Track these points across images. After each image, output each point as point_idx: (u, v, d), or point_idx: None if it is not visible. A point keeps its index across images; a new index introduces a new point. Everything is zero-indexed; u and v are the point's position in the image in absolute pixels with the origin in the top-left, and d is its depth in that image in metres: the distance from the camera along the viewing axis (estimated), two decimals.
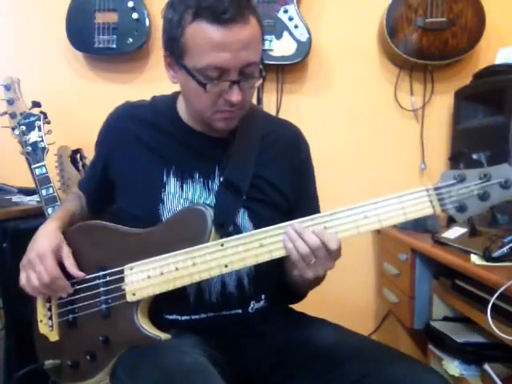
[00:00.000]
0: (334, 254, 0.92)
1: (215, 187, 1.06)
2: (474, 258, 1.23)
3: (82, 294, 1.06)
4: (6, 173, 1.99)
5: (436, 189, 0.90)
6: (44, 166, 1.55)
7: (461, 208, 0.89)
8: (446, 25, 1.98)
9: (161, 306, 1.03)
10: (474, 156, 0.90)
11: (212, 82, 0.95)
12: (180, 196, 1.05)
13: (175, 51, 0.97)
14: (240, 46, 0.92)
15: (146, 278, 0.99)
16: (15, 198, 1.84)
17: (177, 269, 0.97)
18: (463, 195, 0.89)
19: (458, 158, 0.94)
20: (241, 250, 0.95)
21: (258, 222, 1.02)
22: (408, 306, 1.68)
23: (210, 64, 0.93)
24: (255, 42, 0.96)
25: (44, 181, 1.53)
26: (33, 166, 1.55)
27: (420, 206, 0.91)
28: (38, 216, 1.60)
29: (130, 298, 1.01)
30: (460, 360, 1.41)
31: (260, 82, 1.01)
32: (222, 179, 1.05)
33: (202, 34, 0.92)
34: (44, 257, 1.02)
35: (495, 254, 1.19)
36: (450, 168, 1.67)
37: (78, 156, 1.96)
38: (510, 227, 1.30)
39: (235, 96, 0.96)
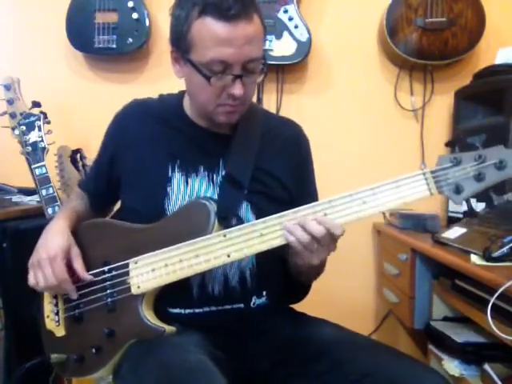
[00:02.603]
0: (337, 238, 0.94)
1: (219, 180, 1.07)
2: (474, 258, 1.23)
3: (88, 289, 1.07)
4: (6, 173, 1.99)
5: (432, 172, 0.92)
6: (44, 166, 1.55)
7: (457, 189, 0.90)
8: (446, 25, 1.98)
9: (164, 299, 1.05)
10: (469, 140, 0.91)
11: (216, 76, 0.97)
12: (185, 190, 1.07)
13: (181, 46, 1.00)
14: (244, 41, 0.95)
15: (150, 270, 1.01)
16: (15, 198, 1.85)
17: (180, 260, 0.98)
18: (459, 177, 0.90)
19: (454, 143, 0.95)
20: (242, 240, 0.96)
21: (261, 215, 1.02)
22: (408, 306, 1.68)
23: (214, 58, 0.96)
24: (258, 38, 0.99)
25: (44, 181, 1.54)
26: (33, 166, 1.55)
27: (417, 189, 0.92)
28: (38, 216, 1.60)
29: (135, 290, 1.02)
30: (460, 360, 1.41)
31: (261, 77, 1.03)
32: (223, 173, 1.07)
33: (208, 29, 0.95)
34: (54, 259, 1.04)
35: (495, 254, 1.19)
36: None
37: (78, 156, 1.96)
38: (510, 227, 1.30)
39: (238, 90, 0.98)
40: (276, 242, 0.96)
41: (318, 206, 0.94)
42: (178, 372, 0.87)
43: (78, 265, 1.06)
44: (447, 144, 1.01)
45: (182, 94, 1.16)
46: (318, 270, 1.09)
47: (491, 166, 0.89)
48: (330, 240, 0.93)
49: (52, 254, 1.04)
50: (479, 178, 0.89)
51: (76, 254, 1.07)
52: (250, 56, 0.98)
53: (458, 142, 0.94)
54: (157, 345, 0.97)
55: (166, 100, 1.18)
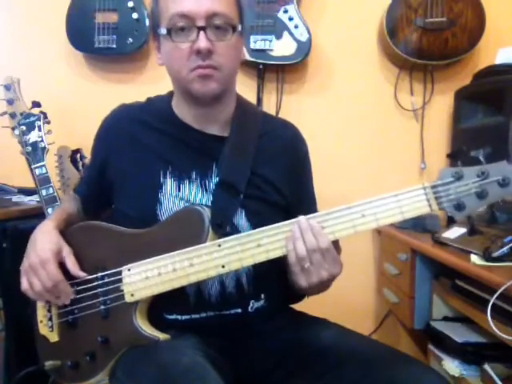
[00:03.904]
0: (328, 261, 0.92)
1: (212, 186, 1.05)
2: (474, 258, 1.23)
3: (82, 295, 1.05)
4: (6, 173, 1.99)
5: (433, 187, 0.90)
6: (44, 166, 1.55)
7: (458, 206, 0.88)
8: (446, 25, 1.98)
9: (161, 305, 1.03)
10: (473, 153, 0.89)
11: (178, 31, 0.99)
12: (177, 196, 1.04)
13: (154, 25, 1.04)
14: None
15: (144, 278, 0.99)
16: (15, 198, 1.85)
17: (174, 269, 0.97)
18: (461, 193, 0.88)
19: (457, 155, 0.94)
20: (238, 251, 0.95)
21: (256, 221, 1.02)
22: (408, 306, 1.68)
23: (174, 13, 0.99)
24: None
25: (44, 181, 1.53)
26: (33, 166, 1.55)
27: (417, 204, 0.90)
28: (37, 216, 1.60)
29: (128, 298, 1.01)
30: (460, 360, 1.41)
31: (231, 36, 1.02)
32: (217, 180, 1.05)
33: None
34: (46, 261, 1.02)
35: (495, 254, 1.19)
36: (449, 166, 1.67)
37: (78, 156, 1.96)
38: (510, 227, 1.30)
39: (202, 42, 0.98)
40: (273, 253, 0.94)
41: (315, 219, 0.93)
42: (173, 372, 0.86)
43: (71, 263, 1.04)
44: (449, 155, 1.00)
45: (170, 95, 1.14)
46: (310, 293, 1.06)
47: (494, 183, 0.86)
48: (320, 259, 0.92)
49: (44, 258, 1.01)
50: (481, 195, 0.87)
51: (67, 252, 1.05)
52: (212, 9, 0.98)
53: (460, 155, 0.92)
54: (152, 348, 0.97)
55: (154, 103, 1.15)
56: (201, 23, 0.98)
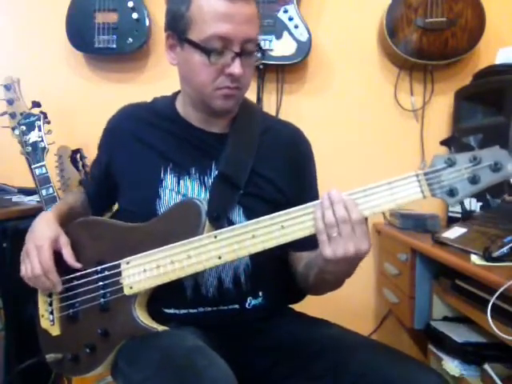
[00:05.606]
0: (358, 235, 0.88)
1: (210, 182, 1.07)
2: (474, 258, 1.23)
3: (82, 289, 1.07)
4: (6, 173, 1.99)
5: (426, 174, 0.89)
6: (44, 166, 1.55)
7: (451, 192, 0.88)
8: (446, 25, 1.98)
9: (159, 299, 1.04)
10: (464, 139, 0.89)
11: (216, 52, 0.98)
12: (177, 191, 1.06)
13: (179, 27, 1.01)
14: (243, 19, 0.98)
15: (142, 271, 1.00)
16: (15, 198, 1.85)
17: (172, 262, 0.98)
18: (453, 179, 0.88)
19: (449, 142, 0.94)
20: (234, 242, 0.95)
21: (253, 218, 1.02)
22: (408, 306, 1.68)
23: (214, 34, 0.97)
24: (255, 20, 1.02)
25: (44, 181, 1.54)
26: (33, 166, 1.55)
27: (410, 191, 0.90)
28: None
29: (127, 291, 1.02)
30: (460, 360, 1.41)
31: (259, 60, 1.05)
32: (216, 172, 1.07)
33: (208, 5, 0.98)
34: (40, 248, 1.04)
35: (495, 254, 1.19)
36: None
37: (78, 156, 1.97)
38: (510, 227, 1.30)
39: (237, 68, 0.99)
40: (268, 244, 0.94)
41: (311, 208, 0.92)
42: (176, 354, 0.87)
43: (67, 252, 1.06)
44: (442, 143, 0.99)
45: (175, 95, 1.16)
46: (335, 274, 1.04)
47: (486, 168, 0.86)
48: (350, 232, 0.88)
49: (39, 244, 1.04)
50: (474, 180, 0.87)
51: (64, 242, 1.06)
52: (249, 35, 0.99)
53: (453, 142, 0.92)
54: (152, 336, 0.98)
55: (158, 103, 1.17)
56: (237, 49, 0.99)
